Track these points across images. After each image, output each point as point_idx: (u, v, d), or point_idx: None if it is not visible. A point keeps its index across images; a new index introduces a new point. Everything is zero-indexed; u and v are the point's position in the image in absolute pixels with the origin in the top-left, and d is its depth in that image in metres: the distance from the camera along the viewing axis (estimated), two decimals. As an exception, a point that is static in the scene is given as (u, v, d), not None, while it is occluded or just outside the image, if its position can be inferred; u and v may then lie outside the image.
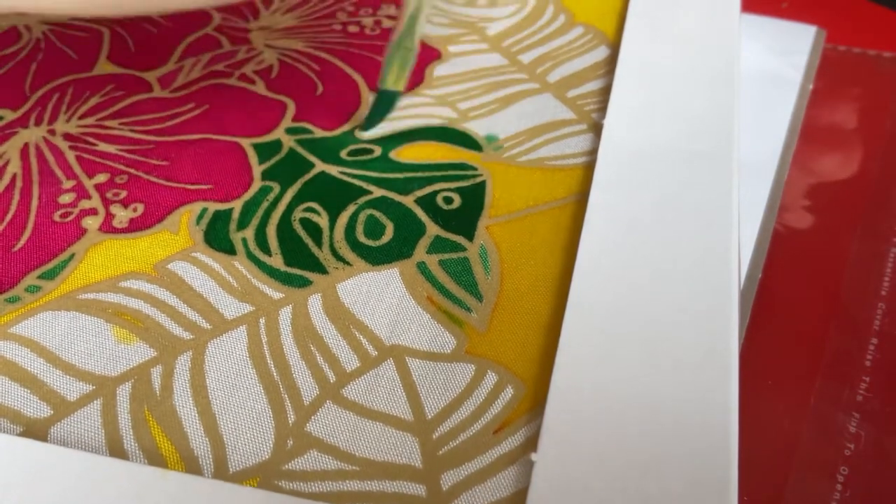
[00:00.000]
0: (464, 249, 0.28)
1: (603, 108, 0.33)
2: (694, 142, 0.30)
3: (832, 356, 0.28)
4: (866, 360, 0.28)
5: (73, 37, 0.38)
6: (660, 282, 0.26)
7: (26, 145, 0.32)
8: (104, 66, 0.36)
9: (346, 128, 0.33)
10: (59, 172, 0.31)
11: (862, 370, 0.27)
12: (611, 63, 0.36)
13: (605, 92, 0.34)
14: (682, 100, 0.32)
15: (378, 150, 0.32)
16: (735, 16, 0.36)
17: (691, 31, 0.35)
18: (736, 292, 0.26)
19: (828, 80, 0.37)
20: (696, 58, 0.34)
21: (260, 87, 0.35)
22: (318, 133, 0.33)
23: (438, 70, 0.36)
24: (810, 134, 0.35)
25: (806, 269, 0.30)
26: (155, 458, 0.23)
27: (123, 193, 0.30)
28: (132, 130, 0.33)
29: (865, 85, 0.38)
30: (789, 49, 0.38)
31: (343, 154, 0.32)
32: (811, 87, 0.37)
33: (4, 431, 0.24)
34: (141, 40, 0.38)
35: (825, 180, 0.33)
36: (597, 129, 0.32)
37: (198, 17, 0.39)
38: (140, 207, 0.30)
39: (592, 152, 0.31)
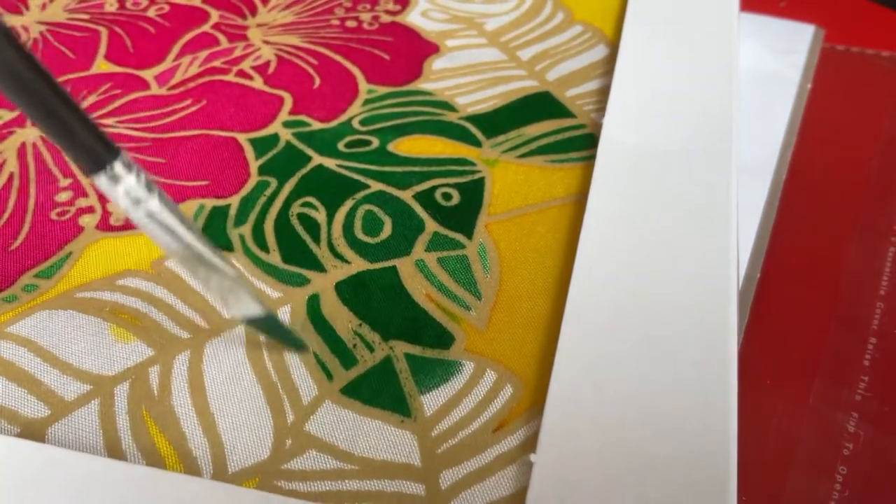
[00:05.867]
0: (463, 247, 0.28)
1: (602, 108, 0.33)
2: (693, 141, 0.30)
3: (831, 356, 0.28)
4: (865, 360, 0.28)
5: (71, 37, 0.38)
6: (659, 281, 0.26)
7: (23, 144, 0.32)
8: (102, 65, 0.36)
9: (343, 118, 0.33)
10: (55, 171, 0.31)
11: (860, 370, 0.27)
12: (609, 62, 0.36)
13: (604, 91, 0.34)
14: (680, 99, 0.32)
15: (376, 142, 0.32)
16: (734, 15, 0.36)
17: (690, 31, 0.35)
18: (735, 292, 0.26)
19: (826, 79, 0.37)
20: (694, 57, 0.34)
21: (257, 83, 0.35)
22: (316, 125, 0.33)
23: (437, 64, 0.36)
24: (809, 133, 0.35)
25: (804, 268, 0.30)
26: (153, 459, 0.23)
27: (121, 191, 0.30)
28: (129, 128, 0.33)
29: (864, 84, 0.38)
30: (788, 48, 0.38)
31: (340, 146, 0.32)
32: (809, 86, 0.37)
33: (2, 432, 0.23)
34: (139, 39, 0.38)
35: (823, 179, 0.33)
36: (596, 129, 0.32)
37: (195, 15, 0.39)
38: (137, 205, 0.30)
39: (591, 152, 0.31)
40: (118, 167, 0.20)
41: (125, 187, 0.20)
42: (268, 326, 0.25)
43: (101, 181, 0.20)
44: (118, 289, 0.27)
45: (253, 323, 0.24)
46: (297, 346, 0.25)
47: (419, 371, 0.25)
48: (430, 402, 0.24)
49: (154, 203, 0.21)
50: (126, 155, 0.20)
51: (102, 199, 0.30)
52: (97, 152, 0.20)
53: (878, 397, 0.27)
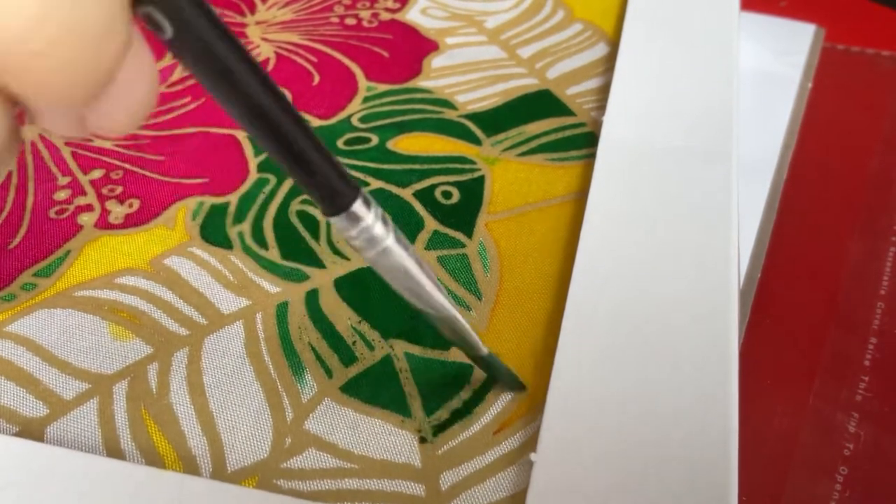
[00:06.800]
0: (463, 246, 0.28)
1: (602, 106, 0.33)
2: (693, 140, 0.30)
3: (831, 356, 0.28)
4: (865, 360, 0.28)
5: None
6: (660, 281, 0.26)
7: (22, 142, 0.32)
8: (100, 60, 0.36)
9: (342, 116, 0.33)
10: (54, 169, 0.31)
11: (861, 370, 0.27)
12: (610, 61, 0.35)
13: (605, 90, 0.34)
14: (681, 98, 0.32)
15: (375, 140, 0.32)
16: (734, 14, 0.36)
17: (690, 30, 0.35)
18: (736, 292, 0.26)
19: (827, 78, 0.37)
20: (695, 56, 0.34)
21: (257, 82, 0.35)
22: (315, 122, 0.33)
23: (436, 61, 0.36)
24: (809, 133, 0.35)
25: (805, 268, 0.30)
26: (152, 458, 0.23)
27: (119, 189, 0.30)
28: (128, 125, 0.32)
29: (864, 84, 0.38)
30: (788, 48, 0.38)
31: (340, 143, 0.32)
32: (810, 85, 0.37)
33: (1, 431, 0.23)
34: (137, 34, 0.37)
35: (823, 179, 0.33)
36: (596, 127, 0.32)
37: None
38: (136, 203, 0.30)
39: (592, 150, 0.31)
40: (358, 206, 0.18)
41: (362, 226, 0.19)
42: (489, 366, 0.24)
43: (339, 220, 0.19)
44: (117, 287, 0.27)
45: (476, 361, 0.23)
46: (516, 385, 0.24)
47: (419, 371, 0.25)
48: (431, 403, 0.24)
49: (390, 240, 0.19)
50: (365, 191, 0.19)
51: (101, 197, 0.30)
52: (339, 191, 0.18)
53: (879, 397, 0.27)
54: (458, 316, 0.21)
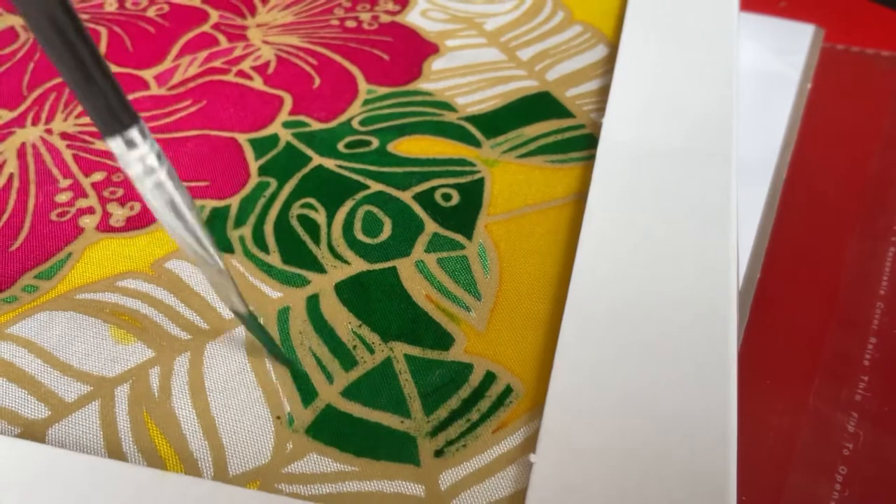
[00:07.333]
0: (462, 248, 0.28)
1: (601, 108, 0.33)
2: (693, 141, 0.30)
3: (831, 356, 0.28)
4: (865, 360, 0.28)
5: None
6: (659, 282, 0.26)
7: (23, 145, 0.32)
8: (101, 64, 0.36)
9: (342, 119, 0.33)
10: (55, 171, 0.31)
11: (860, 369, 0.27)
12: (609, 62, 0.36)
13: (604, 91, 0.34)
14: (681, 99, 0.32)
15: (375, 143, 0.32)
16: (734, 14, 0.36)
17: (690, 31, 0.35)
18: (735, 292, 0.26)
19: (826, 78, 0.37)
20: (694, 57, 0.34)
21: (257, 83, 0.35)
22: (315, 125, 0.33)
23: (436, 64, 0.36)
24: (809, 133, 0.35)
25: (804, 268, 0.30)
26: (154, 461, 0.23)
27: (120, 192, 0.30)
28: (129, 128, 0.33)
29: (863, 84, 0.38)
30: (788, 48, 0.38)
31: (340, 146, 0.32)
32: (809, 85, 0.37)
33: (2, 433, 0.23)
34: (138, 39, 0.38)
35: (823, 179, 0.33)
36: (595, 129, 0.32)
37: (195, 15, 0.39)
38: (137, 206, 0.30)
39: (591, 152, 0.31)
40: (135, 133, 0.20)
41: (140, 153, 0.20)
42: (251, 328, 0.25)
43: (117, 144, 0.20)
44: (118, 290, 0.27)
45: (240, 320, 0.24)
46: (278, 356, 0.25)
47: (419, 372, 0.25)
48: (430, 403, 0.24)
49: (163, 174, 0.20)
50: (144, 124, 0.20)
51: (103, 199, 0.30)
52: (119, 113, 0.19)
53: (878, 397, 0.27)
54: (222, 266, 0.22)
